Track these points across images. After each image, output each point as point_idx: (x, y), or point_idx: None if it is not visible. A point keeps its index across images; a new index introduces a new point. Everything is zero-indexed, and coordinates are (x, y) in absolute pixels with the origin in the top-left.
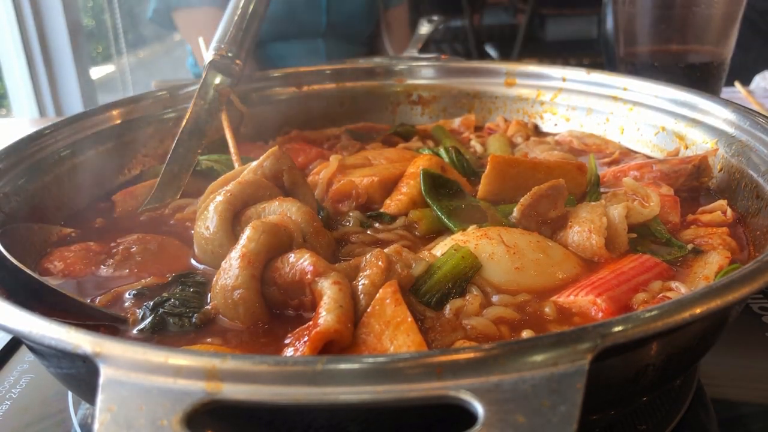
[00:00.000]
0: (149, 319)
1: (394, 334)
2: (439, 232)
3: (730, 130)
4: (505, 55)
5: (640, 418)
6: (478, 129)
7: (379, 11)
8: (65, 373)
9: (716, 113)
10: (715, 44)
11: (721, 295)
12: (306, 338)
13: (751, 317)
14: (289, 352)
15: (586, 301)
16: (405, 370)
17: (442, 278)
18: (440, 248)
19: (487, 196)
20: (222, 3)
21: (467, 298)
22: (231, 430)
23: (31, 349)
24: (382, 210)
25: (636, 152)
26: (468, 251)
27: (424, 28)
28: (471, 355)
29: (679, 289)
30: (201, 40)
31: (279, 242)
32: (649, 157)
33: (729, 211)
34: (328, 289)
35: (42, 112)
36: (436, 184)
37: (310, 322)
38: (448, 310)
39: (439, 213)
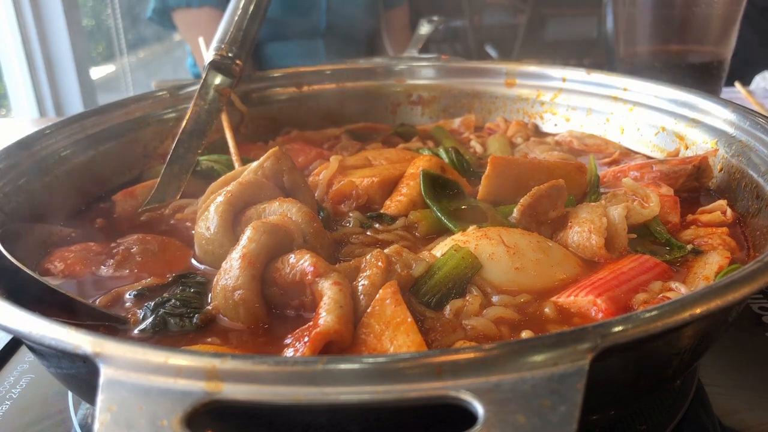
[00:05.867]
0: (150, 320)
1: (394, 334)
2: (439, 232)
3: (730, 130)
4: (505, 55)
5: (640, 418)
6: (478, 129)
7: (378, 11)
8: (65, 373)
9: (716, 113)
10: (715, 44)
11: (721, 295)
12: (306, 338)
13: (751, 317)
14: (289, 352)
15: (586, 301)
16: (405, 370)
17: (442, 279)
18: (440, 249)
19: (487, 197)
20: (221, 3)
21: (467, 298)
22: (231, 430)
23: (31, 349)
24: (382, 211)
25: (636, 152)
26: (468, 252)
27: (424, 28)
28: (471, 355)
29: (679, 289)
30: (201, 40)
31: (279, 243)
32: (649, 158)
33: (729, 212)
34: (328, 290)
35: (42, 112)
36: (436, 185)
37: (311, 323)
38: (448, 310)
39: (438, 214)
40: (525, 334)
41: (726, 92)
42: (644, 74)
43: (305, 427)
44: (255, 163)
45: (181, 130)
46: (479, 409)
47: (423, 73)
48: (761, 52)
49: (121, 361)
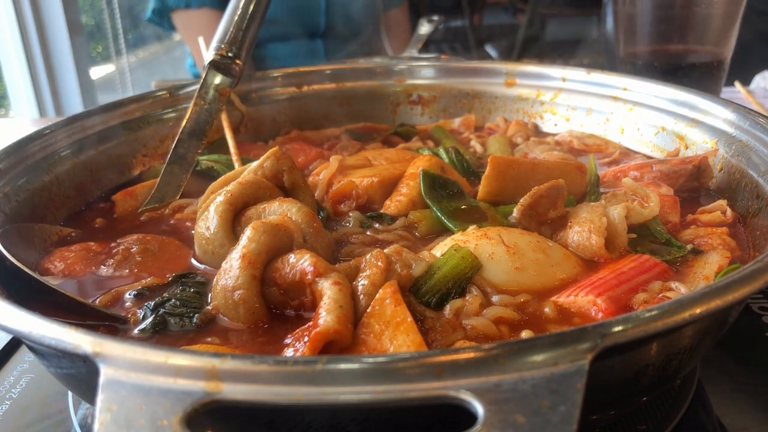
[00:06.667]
0: (150, 319)
1: (394, 334)
2: (439, 232)
3: (730, 130)
4: (505, 55)
5: (640, 418)
6: (478, 129)
7: (378, 12)
8: (65, 373)
9: (716, 113)
10: (715, 44)
11: (721, 295)
12: (306, 338)
13: (751, 317)
14: (289, 352)
15: (586, 301)
16: (405, 370)
17: (442, 278)
18: (440, 248)
19: (487, 197)
20: (220, 4)
21: (467, 298)
22: (231, 430)
23: (31, 349)
24: (382, 211)
25: (636, 152)
26: (468, 251)
27: (424, 28)
28: (471, 355)
29: (679, 289)
30: (201, 41)
31: (279, 243)
32: (649, 157)
33: (729, 211)
34: (328, 290)
35: (42, 112)
36: (436, 185)
37: (310, 323)
38: (448, 310)
39: (438, 214)
40: (525, 334)
41: (726, 92)
42: (644, 74)
43: (305, 427)
44: (255, 163)
45: (181, 130)
46: (479, 409)
47: (423, 73)
48: (760, 54)
49: (121, 361)
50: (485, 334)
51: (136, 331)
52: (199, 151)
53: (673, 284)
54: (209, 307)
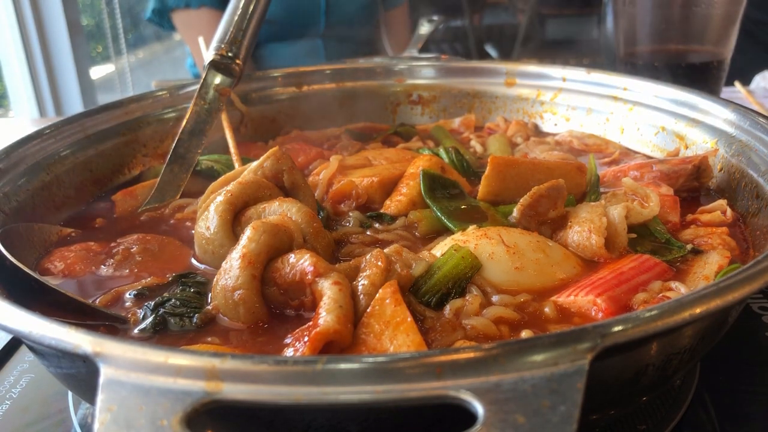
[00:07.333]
0: (150, 319)
1: (394, 334)
2: (439, 232)
3: (730, 130)
4: (505, 55)
5: (640, 418)
6: (478, 129)
7: (378, 12)
8: (65, 373)
9: (716, 113)
10: (715, 44)
11: (721, 295)
12: (306, 338)
13: (751, 317)
14: (289, 352)
15: (586, 301)
16: (405, 370)
17: (442, 278)
18: (440, 248)
19: (487, 197)
20: (219, 4)
21: (467, 298)
22: (231, 430)
23: (31, 349)
24: (382, 210)
25: (636, 152)
26: (468, 251)
27: (424, 28)
28: (471, 354)
29: (679, 289)
30: (201, 40)
31: (279, 242)
32: (649, 157)
33: (729, 211)
34: (328, 290)
35: (42, 112)
36: (436, 185)
37: (310, 323)
38: (448, 310)
39: (438, 213)
40: (525, 334)
41: (726, 92)
42: (644, 74)
43: (305, 427)
44: (255, 163)
45: (181, 130)
46: (479, 408)
47: (423, 72)
48: (760, 54)
49: (121, 361)
50: (485, 334)
51: (136, 331)
52: (199, 151)
53: (673, 284)
54: (209, 307)
